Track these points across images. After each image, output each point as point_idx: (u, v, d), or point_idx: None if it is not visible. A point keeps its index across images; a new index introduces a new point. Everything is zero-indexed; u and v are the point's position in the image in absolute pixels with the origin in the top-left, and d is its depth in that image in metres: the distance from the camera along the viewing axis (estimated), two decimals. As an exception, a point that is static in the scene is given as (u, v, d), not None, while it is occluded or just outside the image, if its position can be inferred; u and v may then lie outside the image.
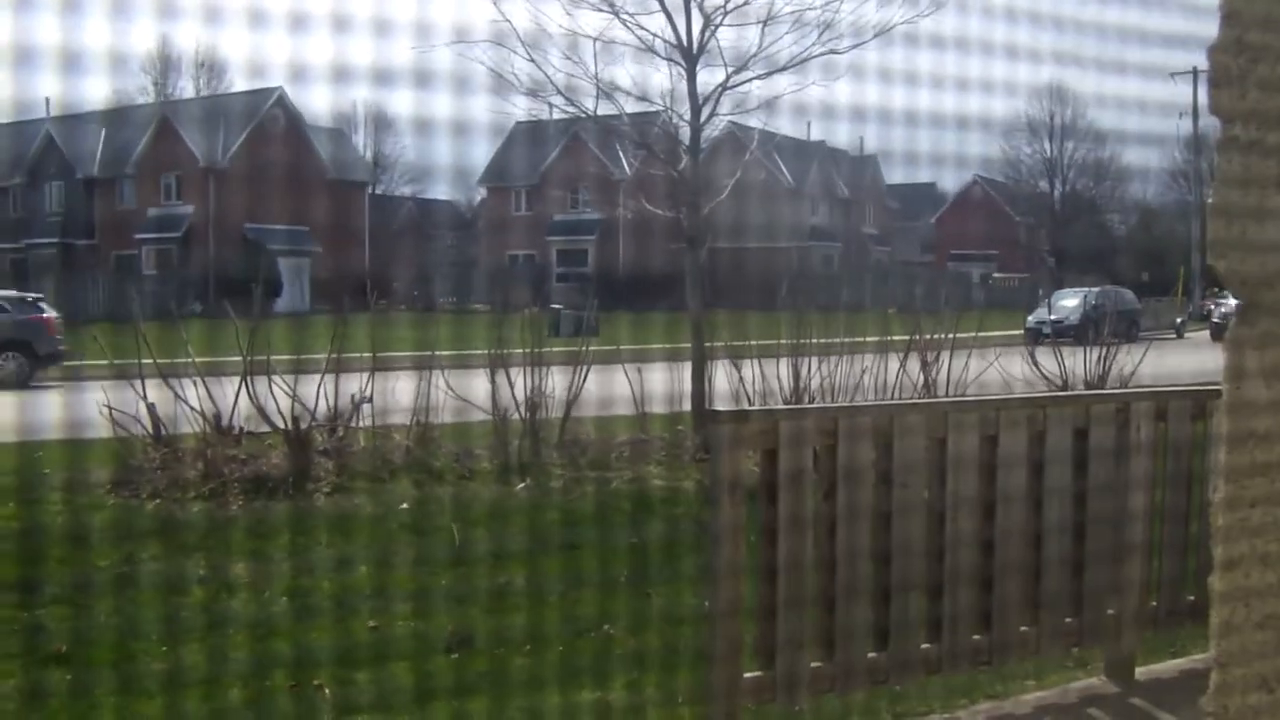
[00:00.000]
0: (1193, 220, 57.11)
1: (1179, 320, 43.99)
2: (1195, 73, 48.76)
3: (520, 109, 16.46)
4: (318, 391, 11.64)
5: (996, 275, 67.81)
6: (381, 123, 73.79)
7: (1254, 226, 1.37)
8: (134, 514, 9.86)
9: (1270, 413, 1.38)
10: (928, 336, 13.98)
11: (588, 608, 7.26)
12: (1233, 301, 1.36)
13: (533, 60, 14.00)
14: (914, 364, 13.56)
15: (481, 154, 63.37)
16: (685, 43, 13.66)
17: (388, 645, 6.65)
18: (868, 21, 14.41)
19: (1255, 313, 1.39)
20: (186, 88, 68.29)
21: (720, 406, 10.42)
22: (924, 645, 5.53)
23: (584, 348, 13.03)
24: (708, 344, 13.77)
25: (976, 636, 5.67)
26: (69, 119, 57.99)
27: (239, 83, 65.22)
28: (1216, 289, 35.67)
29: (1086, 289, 37.81)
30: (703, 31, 13.70)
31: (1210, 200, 1.40)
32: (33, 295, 17.83)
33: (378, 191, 69.74)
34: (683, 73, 13.87)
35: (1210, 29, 1.47)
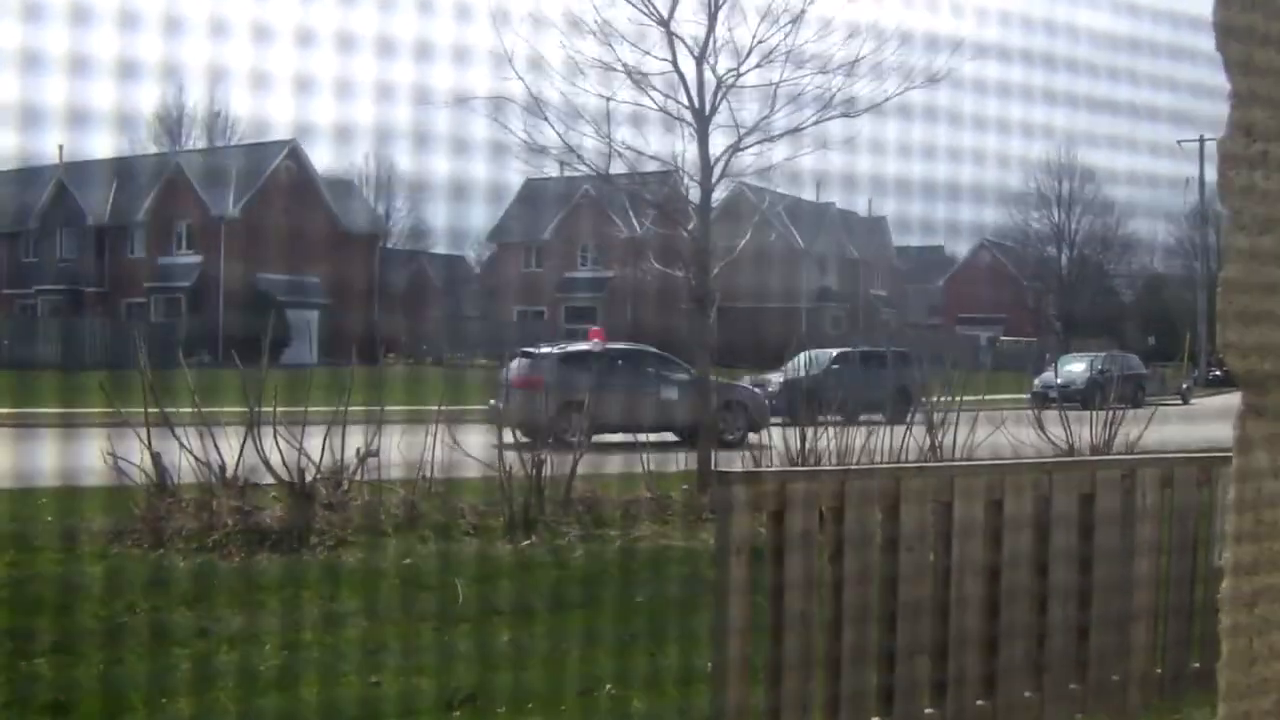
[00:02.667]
0: (1199, 287, 57.20)
1: (1184, 386, 43.93)
2: (1202, 142, 49.06)
3: (532, 165, 16.61)
4: (323, 445, 11.65)
5: (1004, 339, 67.89)
6: (393, 176, 74.36)
7: (1260, 305, 1.40)
8: (135, 564, 9.85)
9: (1274, 482, 1.41)
10: (935, 399, 14.01)
11: (591, 667, 7.23)
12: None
13: (545, 119, 14.14)
14: (921, 425, 13.57)
15: (492, 210, 63.75)
16: (697, 105, 13.77)
17: (390, 702, 6.62)
18: (880, 88, 14.52)
19: (1261, 388, 1.43)
20: (200, 138, 68.83)
21: (727, 467, 10.44)
22: (928, 709, 5.51)
23: (589, 404, 13.05)
24: (714, 402, 13.78)
25: (981, 701, 5.65)
26: (81, 166, 58.37)
27: (254, 133, 65.72)
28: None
29: (1093, 353, 37.83)
30: (715, 94, 13.82)
31: (1219, 279, 1.44)
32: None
33: (388, 245, 70.03)
34: (694, 134, 13.97)
35: (1213, 106, 1.50)
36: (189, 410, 12.05)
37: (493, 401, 17.10)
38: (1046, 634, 5.85)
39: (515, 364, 20.42)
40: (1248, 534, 1.41)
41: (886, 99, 14.52)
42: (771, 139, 14.35)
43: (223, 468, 11.41)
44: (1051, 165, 69.14)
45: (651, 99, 13.98)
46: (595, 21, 13.81)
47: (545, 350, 20.09)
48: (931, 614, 5.51)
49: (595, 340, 18.24)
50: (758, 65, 13.85)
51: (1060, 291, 70.93)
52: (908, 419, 13.87)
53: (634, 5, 13.62)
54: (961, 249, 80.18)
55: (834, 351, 30.46)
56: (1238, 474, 1.44)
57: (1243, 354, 1.42)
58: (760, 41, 13.79)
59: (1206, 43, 1.55)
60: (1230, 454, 1.47)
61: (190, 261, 56.15)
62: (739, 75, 13.83)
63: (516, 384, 17.39)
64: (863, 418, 14.17)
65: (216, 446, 11.41)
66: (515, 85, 14.11)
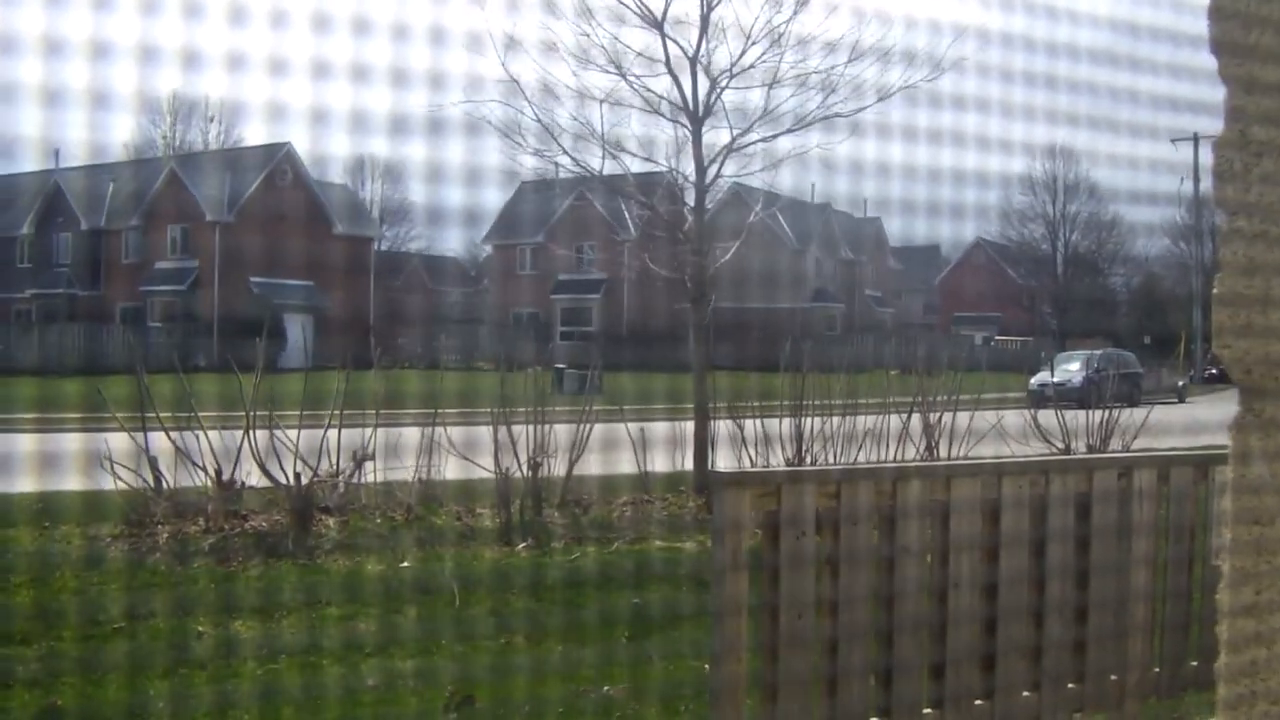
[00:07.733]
0: (1195, 283, 57.21)
1: (1180, 384, 43.94)
2: (1196, 137, 49.09)
3: (527, 167, 16.53)
4: (320, 447, 11.63)
5: (999, 337, 67.89)
6: (389, 178, 74.36)
7: (1258, 315, 1.39)
8: (135, 567, 9.83)
9: (1273, 495, 1.40)
10: (930, 398, 14.01)
11: (588, 671, 7.22)
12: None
13: (539, 120, 14.11)
14: (916, 425, 13.58)
15: (487, 211, 63.68)
16: (691, 104, 13.76)
17: (386, 705, 6.61)
18: (872, 83, 14.49)
19: (1260, 399, 1.42)
20: (196, 141, 68.78)
21: (723, 467, 10.43)
22: (926, 710, 5.50)
23: (587, 406, 13.04)
24: (711, 404, 13.78)
25: (979, 702, 5.64)
26: (78, 169, 58.27)
27: (248, 137, 65.71)
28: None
29: (1089, 351, 37.84)
30: (709, 94, 13.81)
31: (1215, 289, 1.42)
32: None
33: (383, 247, 70.01)
34: (688, 133, 13.95)
35: (1211, 94, 1.48)
36: (186, 415, 12.03)
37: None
38: (1044, 635, 5.84)
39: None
40: (1246, 546, 1.40)
41: (879, 99, 14.49)
42: (766, 140, 14.35)
43: (219, 472, 11.39)
44: (1047, 162, 69.20)
45: (645, 99, 13.97)
46: (595, 23, 13.80)
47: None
48: (928, 616, 5.50)
49: None
50: (751, 66, 13.85)
51: (1056, 290, 70.91)
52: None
53: (628, 7, 13.63)
54: (957, 248, 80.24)
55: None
56: (1235, 486, 1.42)
57: (1245, 367, 1.41)
58: (754, 42, 13.79)
59: (1203, 29, 1.51)
60: (1226, 451, 1.46)
61: (187, 264, 56.03)
62: (732, 76, 13.82)
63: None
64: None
65: (213, 451, 11.40)
66: (511, 86, 14.09)
